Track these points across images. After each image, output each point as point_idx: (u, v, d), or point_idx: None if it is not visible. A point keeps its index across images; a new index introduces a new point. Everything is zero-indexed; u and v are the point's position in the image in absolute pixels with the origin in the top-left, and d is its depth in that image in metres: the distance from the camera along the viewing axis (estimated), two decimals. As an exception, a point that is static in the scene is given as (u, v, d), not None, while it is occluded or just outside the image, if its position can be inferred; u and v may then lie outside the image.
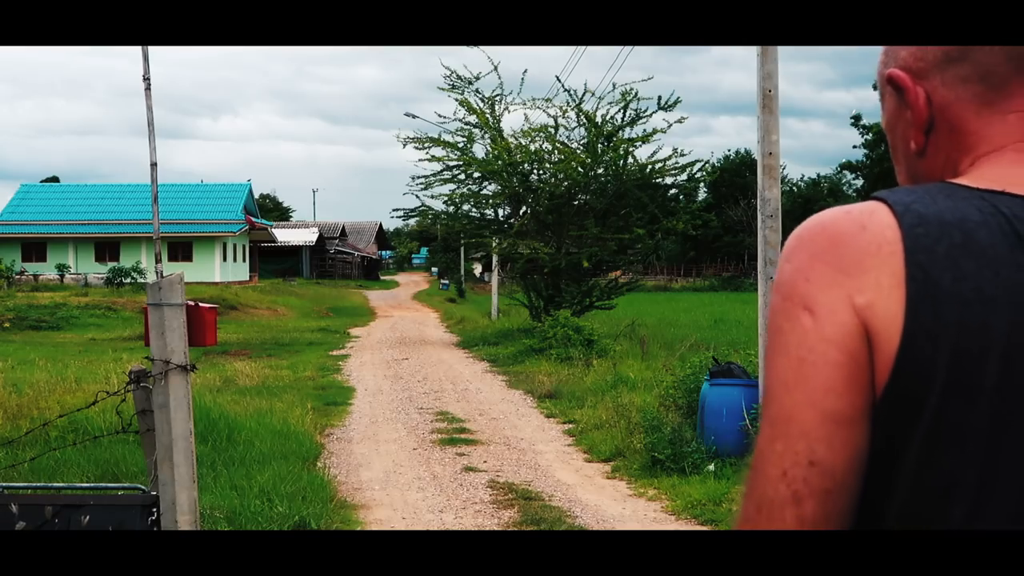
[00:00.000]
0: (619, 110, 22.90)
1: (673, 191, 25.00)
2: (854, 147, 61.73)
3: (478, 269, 59.98)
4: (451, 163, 23.88)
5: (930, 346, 1.01)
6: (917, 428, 1.03)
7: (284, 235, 64.90)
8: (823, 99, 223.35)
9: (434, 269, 70.68)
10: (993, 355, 1.01)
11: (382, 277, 76.21)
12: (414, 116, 31.27)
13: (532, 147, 23.34)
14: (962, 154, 1.14)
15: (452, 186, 24.53)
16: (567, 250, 23.15)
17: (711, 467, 8.56)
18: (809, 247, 1.08)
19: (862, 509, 1.08)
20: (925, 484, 1.04)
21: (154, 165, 7.40)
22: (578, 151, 22.86)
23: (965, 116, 1.14)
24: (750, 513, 1.09)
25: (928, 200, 1.06)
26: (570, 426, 11.41)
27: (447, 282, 58.86)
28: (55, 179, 78.84)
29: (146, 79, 7.18)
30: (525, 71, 25.15)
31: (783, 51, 9.80)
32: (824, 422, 1.04)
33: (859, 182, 64.06)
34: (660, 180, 23.91)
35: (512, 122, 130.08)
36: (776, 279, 1.12)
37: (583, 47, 24.19)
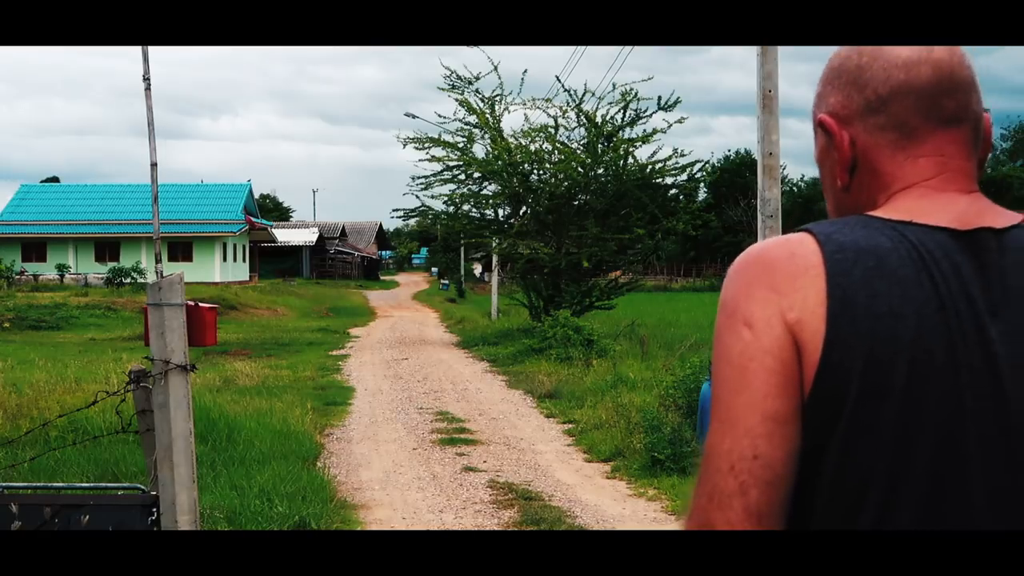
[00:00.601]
0: (619, 110, 22.92)
1: (673, 191, 24.99)
2: (854, 147, 61.61)
3: (478, 269, 59.95)
4: (451, 163, 23.88)
5: (847, 354, 1.18)
6: (837, 427, 1.19)
7: (284, 235, 64.87)
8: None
9: (434, 269, 70.65)
10: (901, 362, 1.17)
11: (382, 277, 76.16)
12: (414, 116, 31.29)
13: (532, 147, 23.34)
14: (879, 191, 1.32)
15: (452, 186, 24.55)
16: (567, 250, 23.14)
17: (711, 467, 8.55)
18: (748, 272, 1.25)
19: (795, 502, 1.22)
20: (845, 477, 1.20)
21: (154, 165, 7.39)
22: (578, 151, 22.86)
23: (882, 159, 1.31)
24: (702, 503, 1.23)
25: (847, 230, 1.24)
26: (570, 426, 11.41)
27: (447, 282, 58.83)
28: (55, 179, 78.83)
29: (146, 79, 7.18)
30: (525, 71, 25.13)
31: (783, 51, 9.80)
32: (765, 421, 1.20)
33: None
34: (660, 180, 23.91)
35: (512, 122, 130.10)
36: (720, 299, 1.27)
37: (583, 47, 24.20)
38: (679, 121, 23.83)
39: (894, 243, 1.22)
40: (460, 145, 23.61)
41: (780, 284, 1.22)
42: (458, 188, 24.50)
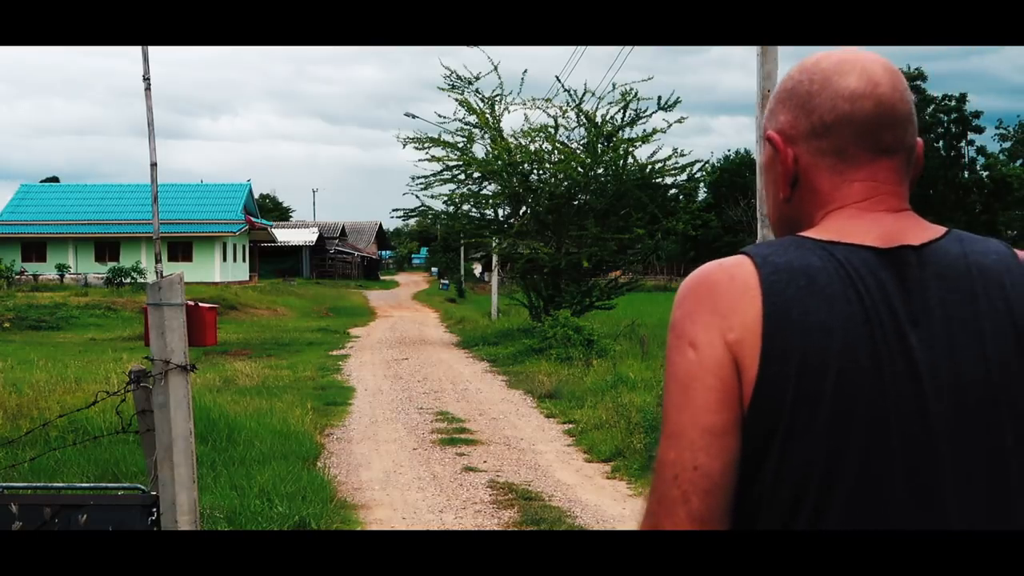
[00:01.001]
0: (619, 110, 22.92)
1: (673, 191, 25.00)
2: (854, 147, 61.58)
3: (478, 269, 59.94)
4: (451, 163, 23.88)
5: (782, 367, 1.30)
6: (776, 432, 1.30)
7: (284, 235, 64.85)
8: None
9: (434, 269, 70.62)
10: (830, 371, 1.29)
11: (382, 277, 76.15)
12: (414, 116, 31.32)
13: (532, 147, 23.34)
14: (816, 208, 1.44)
15: (452, 186, 24.55)
16: (567, 250, 23.14)
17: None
18: (693, 296, 1.38)
19: (741, 504, 1.34)
20: (784, 479, 1.31)
21: (154, 165, 7.40)
22: (578, 151, 22.86)
23: (821, 180, 1.43)
24: (653, 508, 1.36)
25: (782, 252, 1.37)
26: (570, 426, 11.41)
27: (447, 282, 58.82)
28: (55, 179, 78.84)
29: (146, 79, 7.18)
30: (525, 71, 25.16)
31: (783, 51, 9.79)
32: (704, 435, 1.32)
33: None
34: (660, 180, 23.92)
35: (512, 122, 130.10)
36: (670, 321, 1.40)
37: (583, 47, 24.19)
38: (679, 121, 23.86)
39: (823, 262, 1.34)
40: (460, 145, 23.62)
41: (721, 307, 1.34)
42: (458, 188, 24.52)
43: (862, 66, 1.40)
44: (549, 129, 23.27)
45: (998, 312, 1.35)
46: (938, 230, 1.41)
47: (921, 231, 1.40)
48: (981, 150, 59.34)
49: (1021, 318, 1.35)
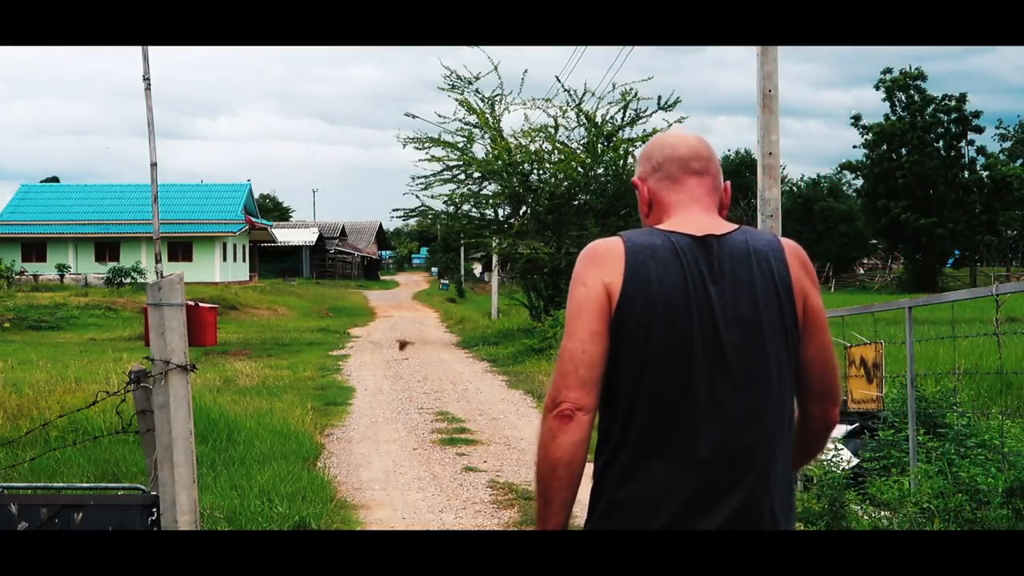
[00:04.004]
0: (619, 110, 22.95)
1: (673, 191, 25.00)
2: (854, 147, 61.62)
3: (478, 269, 59.95)
4: (451, 163, 23.89)
5: (632, 301, 2.18)
6: (623, 338, 2.19)
7: (284, 235, 64.83)
8: (820, 99, 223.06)
9: (434, 269, 70.60)
10: (660, 306, 2.18)
11: (382, 277, 76.14)
12: (414, 116, 31.34)
13: (532, 147, 23.35)
14: (663, 214, 2.36)
15: (452, 186, 24.56)
16: (567, 250, 23.15)
17: (711, 467, 8.55)
18: (587, 256, 2.27)
19: (609, 376, 2.22)
20: (631, 364, 2.19)
21: (154, 165, 7.39)
22: (578, 151, 22.87)
23: (662, 197, 2.37)
24: (557, 379, 2.21)
25: (640, 235, 2.26)
26: (570, 426, 11.39)
27: (447, 282, 58.80)
28: (55, 179, 78.85)
29: (146, 79, 7.18)
30: (525, 71, 25.36)
31: (783, 51, 9.79)
32: (589, 334, 2.20)
33: (859, 182, 63.98)
34: (660, 180, 23.92)
35: (512, 122, 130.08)
36: (573, 272, 2.27)
37: (583, 47, 24.20)
38: (679, 121, 23.88)
39: (663, 242, 2.23)
40: (460, 145, 23.63)
41: (602, 263, 2.22)
42: (458, 188, 24.53)
43: (680, 134, 2.40)
44: (549, 129, 23.30)
45: (764, 275, 2.22)
46: (732, 226, 2.29)
47: (721, 228, 2.27)
48: (981, 150, 59.30)
49: (777, 276, 2.23)
